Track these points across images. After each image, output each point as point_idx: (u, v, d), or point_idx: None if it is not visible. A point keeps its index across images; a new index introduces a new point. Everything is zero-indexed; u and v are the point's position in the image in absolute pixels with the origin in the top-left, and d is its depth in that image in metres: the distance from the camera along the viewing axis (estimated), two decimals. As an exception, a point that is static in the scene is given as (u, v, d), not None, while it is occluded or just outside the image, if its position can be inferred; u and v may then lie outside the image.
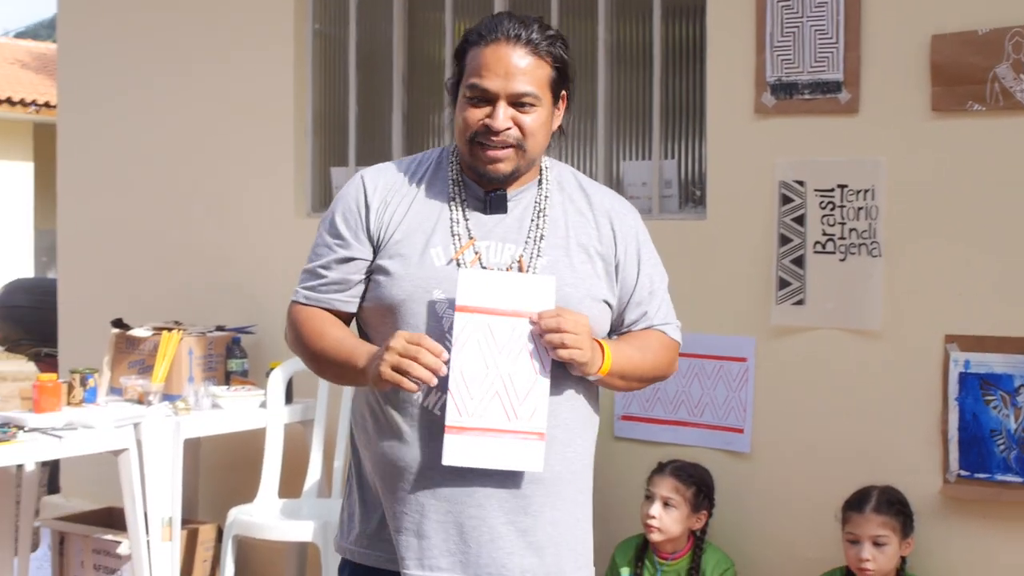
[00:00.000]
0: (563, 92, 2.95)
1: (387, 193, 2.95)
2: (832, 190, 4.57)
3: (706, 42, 4.92)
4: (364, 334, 3.03)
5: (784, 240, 4.66)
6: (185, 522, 5.50)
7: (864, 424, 4.55)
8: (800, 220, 4.63)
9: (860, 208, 4.51)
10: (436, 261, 2.86)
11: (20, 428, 4.79)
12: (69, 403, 5.24)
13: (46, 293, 7.64)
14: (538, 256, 2.90)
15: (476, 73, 2.84)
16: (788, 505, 4.72)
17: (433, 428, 2.81)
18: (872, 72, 4.51)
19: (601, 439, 4.93)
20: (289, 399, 5.64)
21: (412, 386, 2.71)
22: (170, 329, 5.71)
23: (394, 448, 2.87)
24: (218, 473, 6.17)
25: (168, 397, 5.47)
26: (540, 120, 2.88)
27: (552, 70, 2.88)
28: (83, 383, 5.32)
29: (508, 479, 2.82)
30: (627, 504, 4.79)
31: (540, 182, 2.99)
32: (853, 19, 4.52)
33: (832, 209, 4.57)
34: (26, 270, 21.32)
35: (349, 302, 2.97)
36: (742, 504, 4.79)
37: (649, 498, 4.54)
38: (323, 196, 6.19)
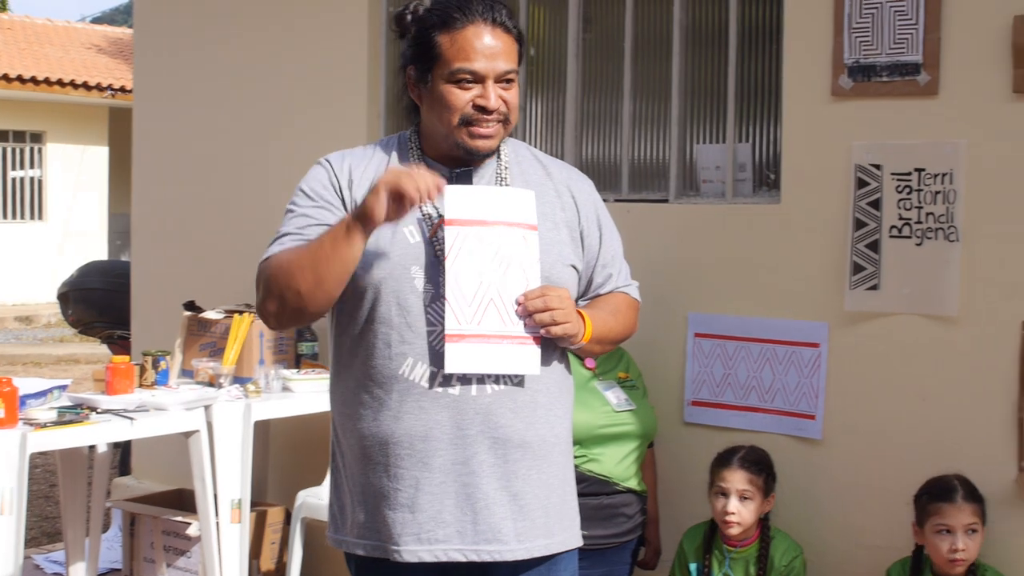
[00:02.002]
0: None
1: (353, 175, 3.03)
2: (909, 174, 4.49)
3: (783, 23, 4.86)
4: (339, 322, 3.04)
5: (859, 224, 4.59)
6: (254, 504, 5.52)
7: (938, 411, 4.49)
8: (876, 204, 4.56)
9: (938, 192, 4.44)
10: (410, 239, 2.93)
11: (93, 410, 4.82)
12: (141, 385, 5.26)
13: (120, 276, 7.69)
14: None
15: (462, 57, 2.90)
16: (859, 493, 4.66)
17: (421, 400, 2.88)
18: (952, 54, 4.43)
19: (670, 424, 4.96)
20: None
21: (413, 193, 2.75)
22: (241, 312, 5.72)
23: (382, 425, 2.92)
24: (287, 456, 6.19)
25: (239, 379, 5.48)
26: (517, 95, 3.00)
27: (518, 45, 3.00)
28: (155, 365, 5.34)
29: (498, 445, 2.90)
30: (696, 490, 4.73)
31: (498, 157, 3.06)
32: (933, 0, 4.44)
33: (909, 193, 4.49)
34: (100, 253, 21.57)
35: None
36: (812, 491, 4.74)
37: (723, 494, 4.46)
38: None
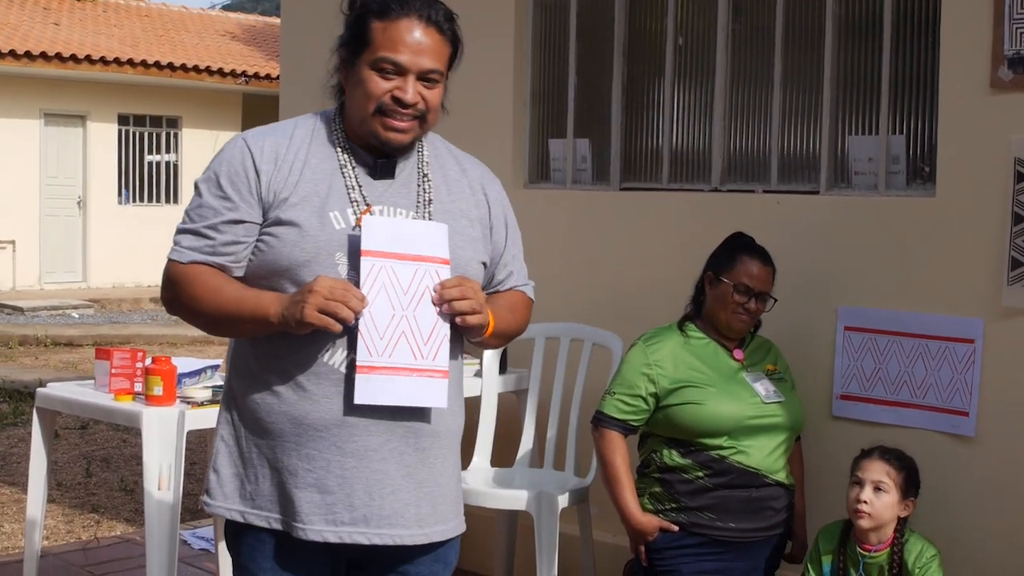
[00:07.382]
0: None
1: (275, 157, 3.02)
2: (1072, 168, 4.41)
3: (940, 13, 4.79)
4: None
5: (1018, 219, 4.52)
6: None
7: (1099, 411, 4.41)
8: (1036, 199, 4.48)
9: (1101, 187, 4.36)
10: (336, 225, 2.96)
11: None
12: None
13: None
14: (430, 219, 3.05)
15: (389, 47, 2.96)
16: (1013, 492, 4.59)
17: (340, 385, 2.92)
18: (1118, 46, 4.34)
19: (817, 418, 4.92)
20: (503, 368, 5.67)
21: (338, 327, 2.83)
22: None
23: (296, 405, 2.95)
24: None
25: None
26: (439, 96, 3.06)
27: (451, 50, 3.06)
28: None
29: (410, 434, 2.99)
30: (840, 486, 4.68)
31: (419, 151, 3.12)
32: (1099, -9, 4.36)
33: (1071, 188, 4.41)
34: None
35: (237, 266, 3.01)
36: (962, 490, 4.68)
37: (858, 483, 4.40)
38: (540, 167, 6.20)
